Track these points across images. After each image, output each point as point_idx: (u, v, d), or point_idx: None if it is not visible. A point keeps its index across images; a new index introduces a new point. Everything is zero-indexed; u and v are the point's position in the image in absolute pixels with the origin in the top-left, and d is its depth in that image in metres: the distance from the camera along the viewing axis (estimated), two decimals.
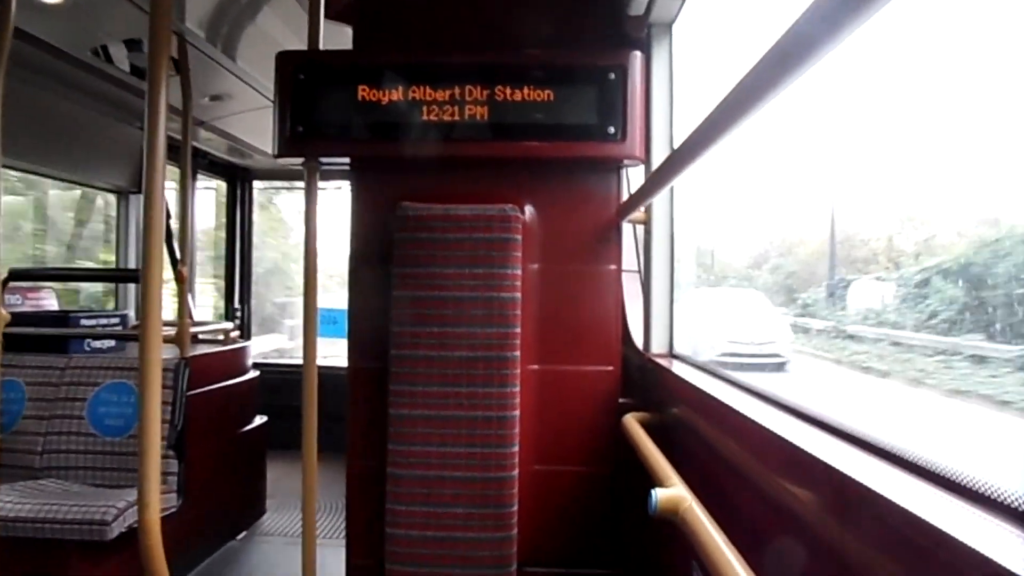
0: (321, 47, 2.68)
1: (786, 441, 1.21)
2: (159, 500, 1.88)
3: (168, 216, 4.69)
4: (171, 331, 3.25)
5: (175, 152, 3.71)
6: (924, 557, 0.78)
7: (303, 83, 2.56)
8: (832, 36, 0.80)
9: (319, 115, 2.57)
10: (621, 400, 2.63)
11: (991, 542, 0.71)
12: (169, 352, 3.31)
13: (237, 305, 5.73)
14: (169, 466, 3.13)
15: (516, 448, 2.51)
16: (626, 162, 2.62)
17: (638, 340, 2.70)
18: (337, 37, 2.92)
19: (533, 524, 2.60)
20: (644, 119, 2.54)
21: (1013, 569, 0.65)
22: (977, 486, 0.85)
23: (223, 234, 5.88)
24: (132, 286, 4.72)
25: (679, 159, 1.70)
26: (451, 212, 2.56)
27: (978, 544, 0.70)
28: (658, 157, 2.54)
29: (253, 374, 4.21)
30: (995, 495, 0.82)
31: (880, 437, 1.10)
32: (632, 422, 2.21)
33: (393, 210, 2.60)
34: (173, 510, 3.09)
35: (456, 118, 2.52)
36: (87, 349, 3.53)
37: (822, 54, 0.85)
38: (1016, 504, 0.78)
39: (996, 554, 0.68)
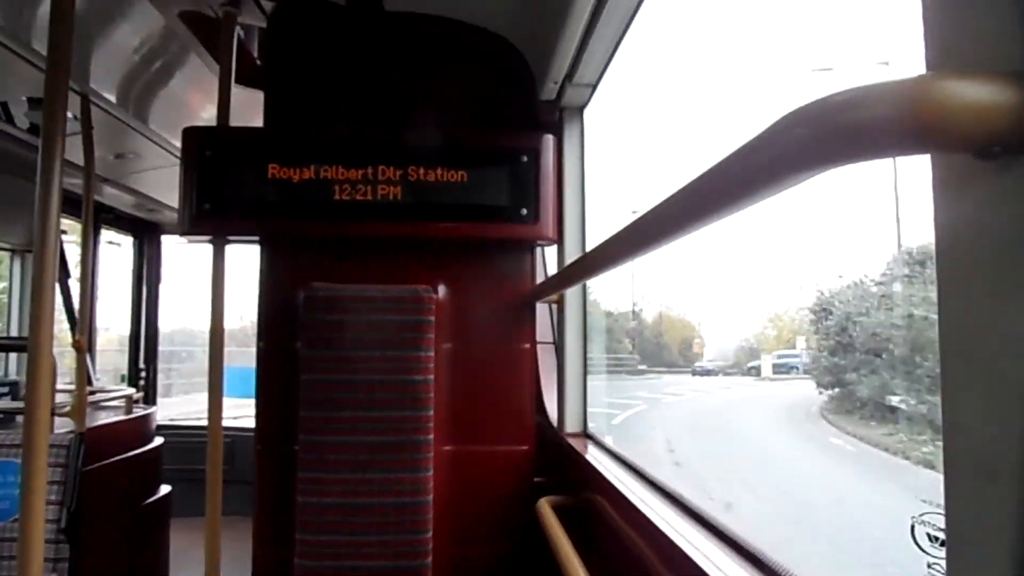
0: (232, 114, 2.63)
1: (688, 557, 1.23)
2: None
3: (68, 275, 4.48)
4: (67, 403, 3.08)
5: (77, 207, 3.57)
6: None
7: (210, 160, 2.51)
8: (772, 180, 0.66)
9: (227, 193, 2.51)
10: (536, 479, 2.63)
11: None
12: (66, 427, 3.14)
13: (142, 366, 5.48)
14: (60, 552, 2.93)
15: (430, 534, 2.46)
16: (539, 242, 2.66)
17: (553, 414, 2.71)
18: (250, 103, 2.89)
19: None
20: (556, 201, 2.59)
21: None
22: None
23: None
24: None
25: (591, 263, 1.72)
26: (362, 293, 2.53)
27: None
28: (570, 236, 2.59)
29: (157, 441, 4.01)
30: None
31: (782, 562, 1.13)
32: (546, 509, 2.20)
33: (303, 289, 2.55)
34: None
35: (368, 198, 2.51)
36: None
37: (764, 192, 0.70)
38: None
39: None
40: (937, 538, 0.80)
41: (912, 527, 0.83)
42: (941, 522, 0.72)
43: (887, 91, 0.47)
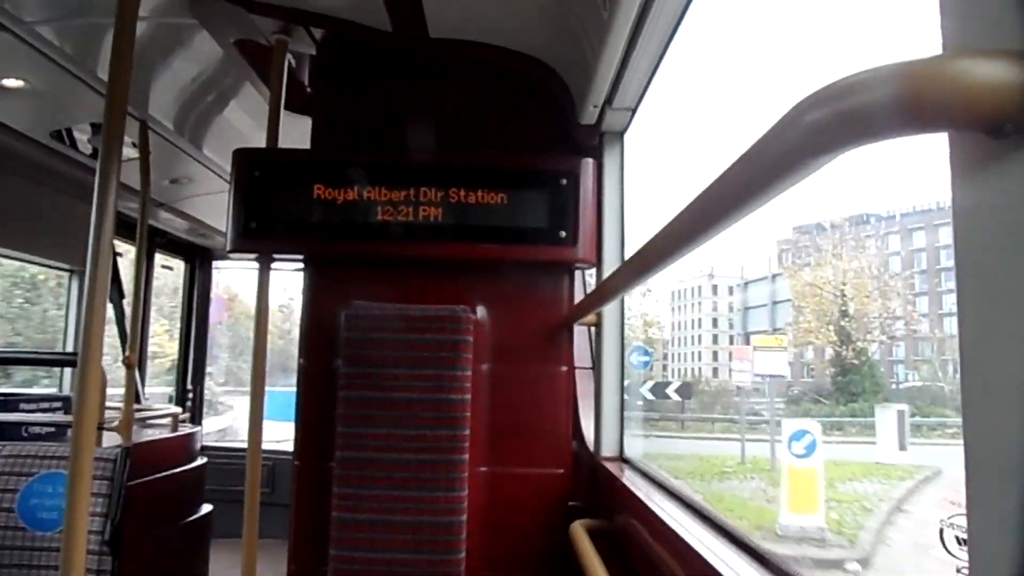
0: (282, 139, 2.72)
1: None
2: None
3: (122, 296, 4.62)
4: (115, 418, 3.17)
5: (132, 231, 3.70)
6: None
7: (259, 180, 2.59)
8: (798, 162, 0.65)
9: (273, 212, 2.58)
10: (571, 503, 2.60)
11: None
12: (113, 440, 3.22)
13: (190, 387, 5.61)
14: (102, 563, 2.98)
15: (463, 555, 2.45)
16: (577, 265, 2.67)
17: (589, 437, 2.69)
18: (299, 130, 2.99)
19: None
20: (595, 224, 2.59)
21: None
22: None
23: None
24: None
25: (628, 273, 1.73)
26: (402, 312, 2.56)
27: None
28: (609, 260, 2.59)
29: (200, 461, 4.08)
30: None
31: None
32: (580, 533, 2.17)
33: (344, 307, 2.60)
34: None
35: (410, 219, 2.55)
36: (25, 435, 3.40)
37: (785, 182, 0.71)
38: None
39: None
40: (965, 540, 0.77)
41: (941, 531, 0.80)
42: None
43: (898, 72, 0.48)
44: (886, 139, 0.51)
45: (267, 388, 2.83)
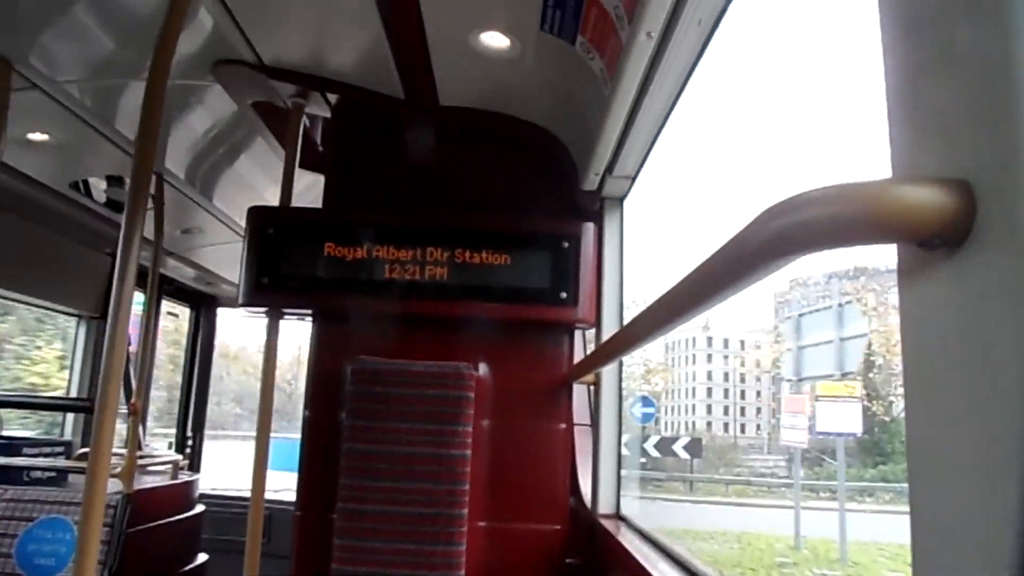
0: (295, 193, 2.82)
1: None
2: None
3: (129, 343, 4.67)
4: (118, 464, 3.20)
5: (142, 279, 3.78)
6: None
7: (272, 237, 2.69)
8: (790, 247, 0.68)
9: (285, 268, 2.67)
10: (568, 560, 2.63)
11: None
12: (114, 486, 3.24)
13: (189, 434, 5.63)
14: None
15: None
16: (577, 325, 2.75)
17: (587, 494, 2.73)
18: (306, 183, 3.10)
19: None
20: (595, 286, 2.68)
21: None
22: None
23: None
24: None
25: (624, 339, 1.81)
26: (406, 367, 2.63)
27: None
28: (608, 320, 2.67)
29: (199, 509, 4.08)
30: None
31: None
32: None
33: (350, 362, 2.67)
34: None
35: (417, 277, 2.64)
36: (26, 479, 3.42)
37: (756, 274, 0.78)
38: None
39: None
40: None
41: None
42: None
43: (853, 191, 0.57)
44: (837, 248, 0.61)
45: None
